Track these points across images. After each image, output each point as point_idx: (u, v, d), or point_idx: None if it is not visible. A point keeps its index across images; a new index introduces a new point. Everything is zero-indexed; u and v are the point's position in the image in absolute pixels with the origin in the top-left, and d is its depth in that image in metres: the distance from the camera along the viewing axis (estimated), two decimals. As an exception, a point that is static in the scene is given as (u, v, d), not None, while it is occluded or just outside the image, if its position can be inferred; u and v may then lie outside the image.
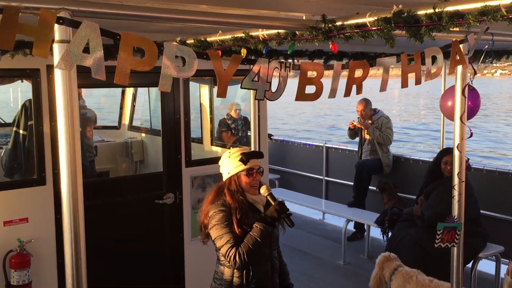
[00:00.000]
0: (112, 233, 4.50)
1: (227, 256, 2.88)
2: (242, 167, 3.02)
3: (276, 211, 2.90)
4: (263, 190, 3.02)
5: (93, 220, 4.22)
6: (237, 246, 2.86)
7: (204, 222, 3.04)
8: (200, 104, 6.14)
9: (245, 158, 3.01)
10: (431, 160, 7.03)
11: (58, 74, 1.70)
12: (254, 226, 2.90)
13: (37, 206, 4.06)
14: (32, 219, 4.03)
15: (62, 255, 4.06)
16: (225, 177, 3.10)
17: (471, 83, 3.06)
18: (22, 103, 4.65)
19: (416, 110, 40.01)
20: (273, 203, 2.95)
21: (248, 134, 6.96)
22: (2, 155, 5.31)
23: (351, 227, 7.27)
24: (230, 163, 3.07)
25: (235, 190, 3.01)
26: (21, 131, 4.58)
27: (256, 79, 2.16)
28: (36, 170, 4.07)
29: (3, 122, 6.58)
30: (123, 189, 4.63)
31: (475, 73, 3.07)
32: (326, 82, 2.40)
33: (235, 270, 2.96)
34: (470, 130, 2.97)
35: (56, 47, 1.73)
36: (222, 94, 2.01)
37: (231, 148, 3.15)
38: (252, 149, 4.63)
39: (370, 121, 7.30)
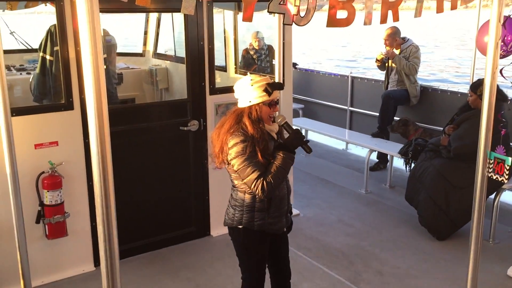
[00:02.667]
0: (138, 157, 4.63)
1: (255, 186, 2.89)
2: (266, 97, 2.97)
3: (296, 138, 2.98)
4: (279, 120, 3.05)
5: (120, 144, 4.35)
6: (264, 177, 2.89)
7: (223, 149, 2.99)
8: (224, 31, 6.03)
9: (271, 89, 2.98)
10: (460, 91, 6.87)
11: (80, -4, 1.68)
12: (277, 155, 2.93)
13: (66, 130, 4.17)
14: (62, 142, 4.16)
15: (91, 177, 4.23)
16: (244, 104, 3.01)
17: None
18: (47, 28, 4.65)
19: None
20: (290, 132, 3.02)
21: (273, 63, 6.86)
22: (30, 80, 5.39)
23: (374, 157, 7.30)
24: (253, 92, 2.98)
25: (256, 119, 2.99)
26: (47, 57, 4.61)
27: (283, 2, 2.09)
28: (63, 95, 4.14)
29: (29, 47, 6.62)
30: (148, 116, 4.69)
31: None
32: (360, 14, 2.30)
33: (257, 196, 3.02)
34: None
35: (77, -33, 1.69)
36: (248, 18, 1.96)
37: (249, 74, 3.11)
38: (276, 78, 4.58)
39: (399, 49, 7.08)
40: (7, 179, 3.48)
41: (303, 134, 3.08)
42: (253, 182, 2.90)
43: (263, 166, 2.93)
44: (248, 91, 3.00)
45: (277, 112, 3.11)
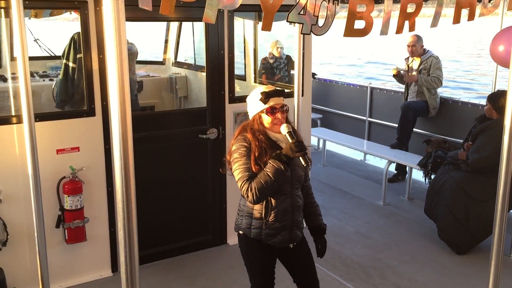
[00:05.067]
0: (157, 164, 4.66)
1: (241, 189, 2.97)
2: (263, 106, 3.02)
3: (291, 149, 2.87)
4: (283, 128, 3.00)
5: (139, 151, 4.38)
6: (250, 181, 2.92)
7: (227, 157, 3.14)
8: (244, 40, 6.07)
9: (265, 97, 3.00)
10: (481, 103, 6.79)
11: (106, 5, 1.71)
12: (268, 162, 2.92)
13: (87, 136, 4.23)
14: (83, 148, 4.22)
15: (111, 183, 4.29)
16: (250, 116, 3.15)
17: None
18: (70, 36, 4.74)
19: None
20: (291, 141, 2.92)
21: (291, 72, 6.87)
22: (53, 86, 5.49)
23: (392, 169, 7.24)
24: (251, 103, 3.10)
25: (257, 129, 3.04)
26: (70, 64, 4.70)
27: (302, 12, 2.10)
28: (85, 101, 4.21)
29: (53, 54, 6.75)
30: (168, 123, 4.73)
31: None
32: (377, 22, 2.30)
33: (246, 201, 3.06)
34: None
35: (103, -23, 1.73)
36: (267, 27, 1.97)
37: (259, 87, 3.13)
38: (296, 88, 4.59)
39: (419, 59, 7.04)
40: (29, 183, 3.54)
41: (311, 145, 3.00)
42: (240, 185, 2.98)
43: (254, 173, 2.95)
44: (249, 103, 3.14)
45: (286, 121, 3.07)
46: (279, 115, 3.02)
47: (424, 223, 5.66)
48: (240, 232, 3.22)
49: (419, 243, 5.29)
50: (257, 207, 3.08)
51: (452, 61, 29.12)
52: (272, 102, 3.01)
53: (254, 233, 3.12)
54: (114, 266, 4.52)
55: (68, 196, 4.10)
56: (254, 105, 3.08)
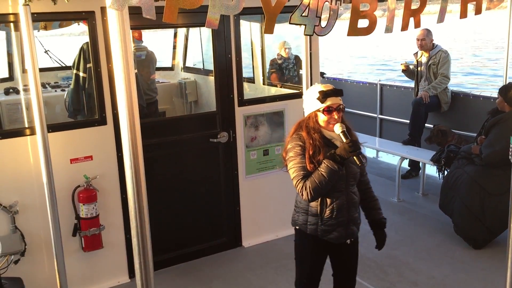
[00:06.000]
0: (170, 170, 4.70)
1: (296, 188, 3.02)
2: (320, 105, 3.02)
3: (345, 149, 2.89)
4: (337, 128, 3.00)
5: (152, 157, 4.44)
6: (305, 180, 2.97)
7: (283, 154, 3.19)
8: (251, 43, 6.09)
9: (322, 96, 3.00)
10: (493, 95, 6.72)
11: (111, 15, 1.74)
12: (323, 162, 2.95)
13: (100, 145, 4.28)
14: (96, 157, 4.27)
15: (125, 190, 4.28)
16: (305, 113, 3.15)
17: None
18: (80, 46, 4.80)
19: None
20: (345, 141, 2.93)
21: (300, 73, 6.86)
22: (65, 97, 5.57)
23: (405, 165, 7.19)
24: (308, 101, 3.11)
25: (312, 127, 3.06)
26: (81, 74, 4.76)
27: (305, 13, 2.11)
28: (97, 110, 4.26)
29: (63, 65, 6.83)
30: (179, 128, 4.76)
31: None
32: (381, 21, 2.30)
33: (302, 198, 3.08)
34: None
35: (107, -12, 1.76)
36: (269, 30, 1.98)
37: (316, 84, 3.12)
38: (304, 87, 4.59)
39: (427, 54, 6.98)
40: (44, 193, 3.59)
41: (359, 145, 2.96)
42: (295, 183, 3.02)
43: (309, 171, 2.99)
44: (305, 101, 3.16)
45: (341, 120, 3.07)
46: (335, 114, 3.02)
47: (439, 218, 5.62)
48: (297, 227, 3.27)
49: (435, 239, 5.25)
50: (312, 204, 3.12)
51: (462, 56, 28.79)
52: (329, 101, 3.00)
53: (310, 229, 3.16)
54: (131, 272, 4.55)
55: (84, 205, 4.15)
56: (311, 103, 3.08)
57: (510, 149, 2.84)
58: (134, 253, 1.91)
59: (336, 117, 3.02)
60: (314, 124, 3.07)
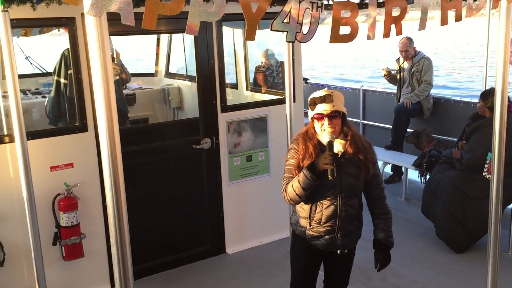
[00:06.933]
0: (152, 176, 4.66)
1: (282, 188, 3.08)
2: (311, 112, 3.02)
3: (321, 161, 2.84)
4: (325, 137, 2.96)
5: (133, 164, 4.39)
6: (287, 183, 3.03)
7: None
8: (234, 49, 6.09)
9: (310, 103, 3.00)
10: (473, 101, 6.82)
11: (89, 21, 1.72)
12: (302, 170, 2.94)
13: (80, 152, 4.22)
14: (77, 164, 4.21)
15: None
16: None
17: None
18: (61, 52, 4.75)
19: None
20: (325, 152, 2.86)
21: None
22: (46, 103, 5.50)
23: (388, 170, 7.24)
24: (309, 108, 3.06)
25: (310, 133, 3.07)
26: (62, 80, 4.70)
27: (287, 20, 2.11)
28: (78, 117, 4.21)
29: (44, 71, 6.76)
30: (161, 135, 4.73)
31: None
32: (364, 27, 2.31)
33: (302, 203, 3.11)
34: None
35: (86, -6, 1.74)
36: (250, 36, 1.98)
37: (319, 91, 3.09)
38: (287, 93, 4.60)
39: (410, 62, 7.06)
40: (23, 202, 3.53)
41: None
42: (282, 184, 3.09)
43: (294, 175, 3.03)
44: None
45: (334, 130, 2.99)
46: (325, 122, 2.94)
47: (422, 223, 5.66)
48: (291, 227, 3.34)
49: (418, 244, 5.29)
50: (305, 207, 3.12)
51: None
52: (318, 109, 2.96)
53: (299, 231, 3.20)
54: (113, 281, 4.49)
55: (64, 213, 4.08)
56: (309, 110, 3.07)
57: (485, 166, 2.89)
58: (114, 262, 1.89)
59: (326, 124, 2.94)
60: (311, 130, 3.08)
